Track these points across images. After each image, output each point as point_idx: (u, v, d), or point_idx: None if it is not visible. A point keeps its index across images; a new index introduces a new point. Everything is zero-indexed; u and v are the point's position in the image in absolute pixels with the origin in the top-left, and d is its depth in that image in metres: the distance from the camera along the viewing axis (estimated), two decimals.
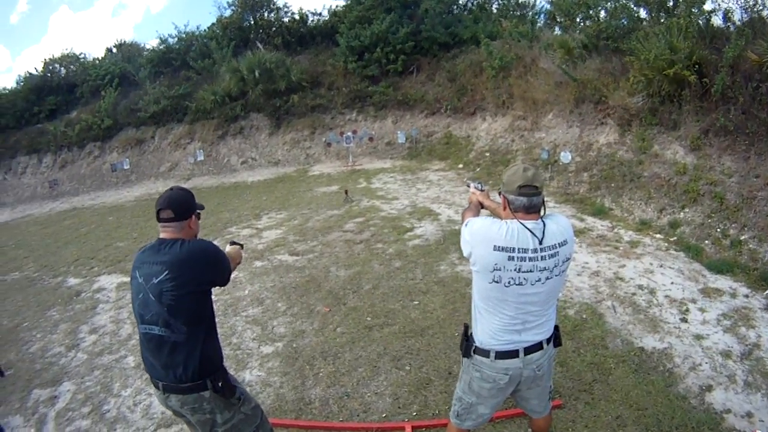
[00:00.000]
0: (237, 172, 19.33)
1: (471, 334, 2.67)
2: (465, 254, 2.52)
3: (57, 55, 25.80)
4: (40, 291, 8.03)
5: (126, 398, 4.59)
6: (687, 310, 5.31)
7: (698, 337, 4.78)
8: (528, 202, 2.38)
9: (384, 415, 3.99)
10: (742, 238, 6.57)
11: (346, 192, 11.77)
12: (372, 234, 8.68)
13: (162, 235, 2.62)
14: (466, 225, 2.56)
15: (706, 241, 6.92)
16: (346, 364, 4.69)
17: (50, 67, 25.19)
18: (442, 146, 17.40)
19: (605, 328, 5.05)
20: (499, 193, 2.55)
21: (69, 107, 24.18)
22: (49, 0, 67.69)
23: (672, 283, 5.96)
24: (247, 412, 2.75)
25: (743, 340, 4.69)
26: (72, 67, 25.38)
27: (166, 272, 2.45)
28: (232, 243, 3.19)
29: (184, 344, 2.49)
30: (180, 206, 2.61)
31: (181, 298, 2.46)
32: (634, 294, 5.76)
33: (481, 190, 3.21)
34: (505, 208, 2.51)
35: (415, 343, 4.95)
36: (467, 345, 2.64)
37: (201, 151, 20.23)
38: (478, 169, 13.95)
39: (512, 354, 2.51)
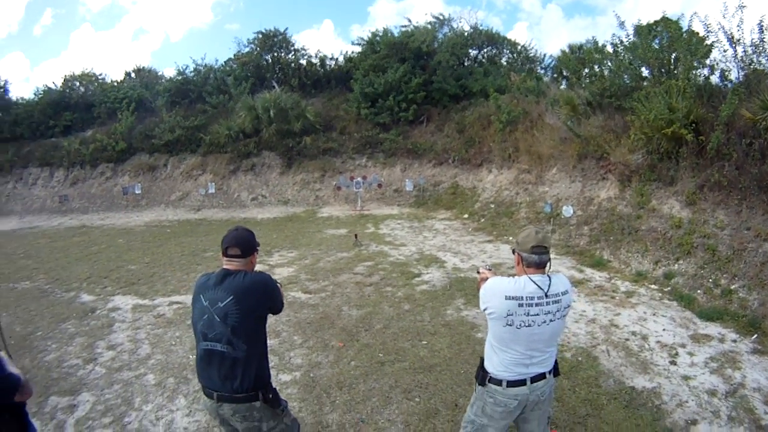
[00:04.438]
0: (247, 208, 19.63)
1: (485, 365, 3.08)
2: (482, 309, 3.00)
3: (77, 72, 26.62)
4: (53, 303, 8.16)
5: (148, 413, 4.70)
6: (676, 353, 5.54)
7: (686, 378, 5.00)
8: (539, 259, 2.91)
9: None
10: (733, 287, 6.82)
11: (356, 236, 12.05)
12: (381, 277, 8.91)
13: (226, 266, 3.03)
14: (483, 285, 3.07)
15: (699, 291, 7.17)
16: (361, 394, 4.93)
17: (69, 84, 25.83)
18: (449, 196, 17.79)
19: (599, 369, 5.28)
20: (513, 251, 3.07)
21: (84, 125, 24.71)
22: (73, 17, 69.89)
23: (664, 329, 6.21)
24: (288, 423, 3.17)
25: (729, 380, 4.92)
26: (90, 86, 26.02)
27: (231, 298, 2.87)
28: None
29: (242, 360, 2.88)
30: (245, 245, 3.06)
31: (244, 320, 2.87)
32: (627, 339, 6.00)
33: (489, 269, 3.66)
34: (518, 264, 3.01)
35: (424, 378, 5.20)
36: (483, 375, 3.06)
37: (212, 183, 20.52)
38: (482, 220, 14.27)
39: (521, 383, 2.97)
